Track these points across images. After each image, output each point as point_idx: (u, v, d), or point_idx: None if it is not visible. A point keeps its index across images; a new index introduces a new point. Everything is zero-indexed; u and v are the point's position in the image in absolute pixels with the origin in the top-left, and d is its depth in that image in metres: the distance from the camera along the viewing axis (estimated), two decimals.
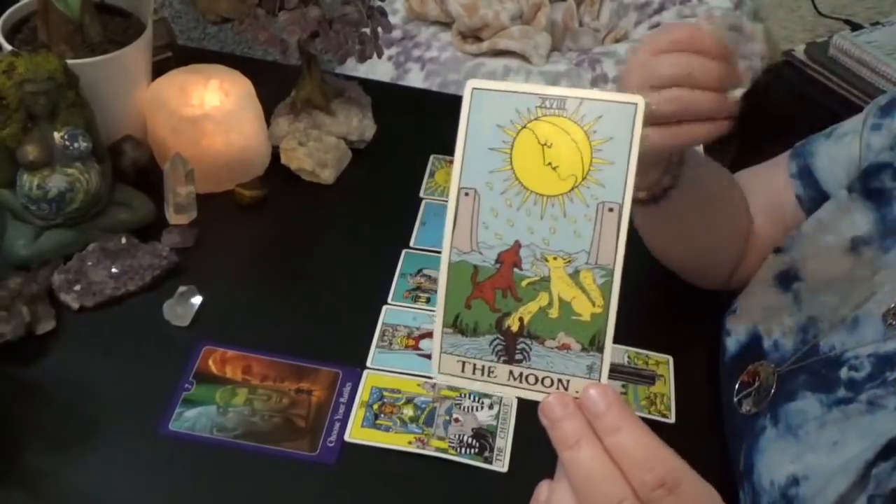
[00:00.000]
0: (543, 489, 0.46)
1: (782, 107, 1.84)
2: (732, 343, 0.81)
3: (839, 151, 0.80)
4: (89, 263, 0.88)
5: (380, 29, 1.01)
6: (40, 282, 0.84)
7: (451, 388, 0.81)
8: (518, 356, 0.47)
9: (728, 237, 0.86)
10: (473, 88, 0.47)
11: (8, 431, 0.75)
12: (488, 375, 0.48)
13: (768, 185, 0.86)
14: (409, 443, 0.77)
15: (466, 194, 0.47)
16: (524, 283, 0.46)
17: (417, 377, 0.82)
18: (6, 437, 0.75)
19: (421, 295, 0.91)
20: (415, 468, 0.76)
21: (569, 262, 0.46)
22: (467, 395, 0.81)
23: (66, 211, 0.88)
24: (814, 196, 0.82)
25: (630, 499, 0.42)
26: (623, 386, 0.83)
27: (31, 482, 0.73)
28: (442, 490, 0.75)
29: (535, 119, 0.46)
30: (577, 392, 0.46)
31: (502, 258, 0.47)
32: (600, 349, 0.46)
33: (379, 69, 1.82)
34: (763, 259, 0.82)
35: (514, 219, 0.46)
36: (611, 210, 0.45)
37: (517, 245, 0.46)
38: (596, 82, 1.78)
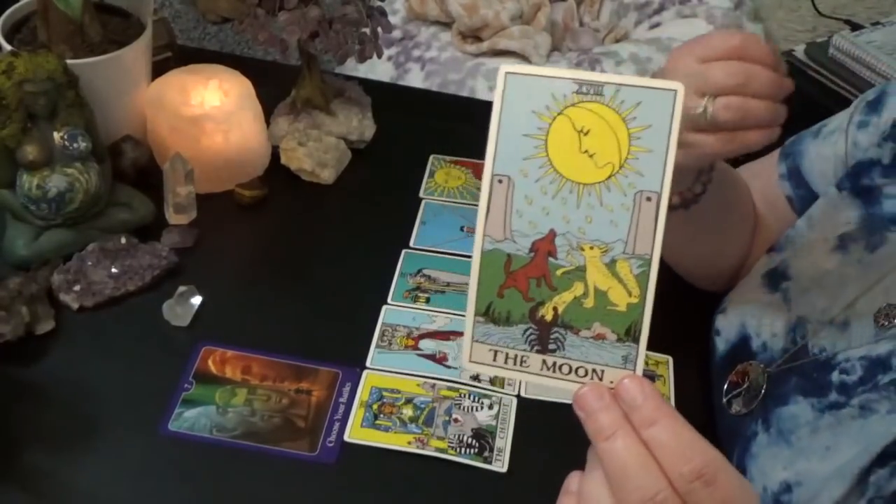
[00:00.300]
0: (574, 480, 0.46)
1: None
2: (721, 343, 0.80)
3: (827, 150, 0.80)
4: (89, 263, 0.88)
5: (380, 29, 1.01)
6: (40, 282, 0.84)
7: (450, 388, 0.81)
8: (552, 346, 0.46)
9: (740, 237, 0.86)
10: (507, 73, 0.46)
11: (8, 431, 0.75)
12: (521, 365, 0.47)
13: (763, 182, 0.86)
14: (409, 443, 0.77)
15: (500, 181, 0.46)
16: (559, 273, 0.46)
17: (417, 377, 0.82)
18: (6, 437, 0.75)
19: (420, 295, 0.90)
20: (414, 468, 0.76)
21: (605, 251, 0.45)
22: (467, 395, 0.81)
23: (65, 211, 0.88)
24: (805, 196, 0.82)
25: (666, 491, 0.41)
26: None
27: (31, 482, 0.73)
28: (442, 490, 0.75)
29: (572, 105, 0.45)
30: (611, 382, 0.45)
31: (537, 247, 0.46)
32: (636, 339, 0.45)
33: (379, 69, 1.82)
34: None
35: (549, 207, 0.45)
36: (649, 199, 0.44)
37: (552, 234, 0.46)
38: None
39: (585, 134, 0.45)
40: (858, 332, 0.67)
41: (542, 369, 0.47)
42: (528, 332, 0.46)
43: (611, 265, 0.45)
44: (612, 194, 0.45)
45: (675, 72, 0.65)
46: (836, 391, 0.66)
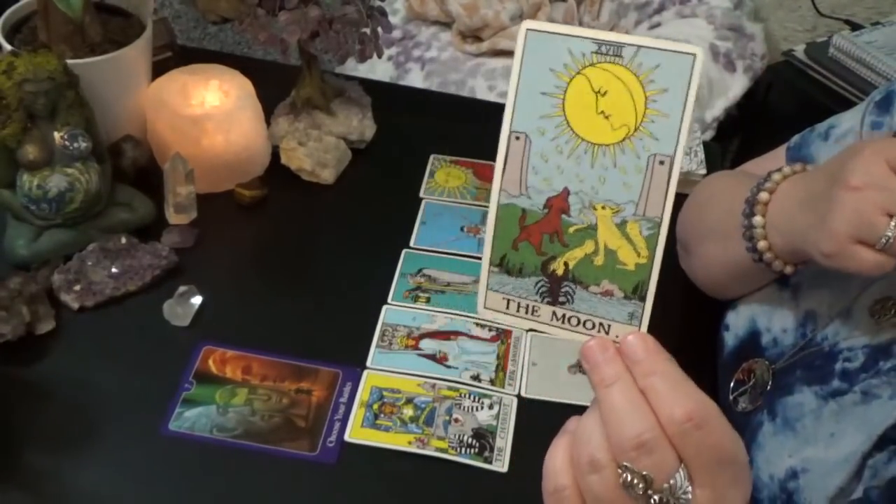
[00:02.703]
0: (573, 421, 0.47)
1: (782, 107, 1.84)
2: (731, 338, 0.81)
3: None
4: (89, 263, 0.88)
5: (380, 29, 1.01)
6: (40, 282, 0.84)
7: (450, 388, 0.81)
8: (562, 299, 0.48)
9: None
10: (528, 29, 0.46)
11: (8, 431, 0.75)
12: (532, 314, 0.49)
13: None
14: (409, 443, 0.77)
15: (517, 138, 0.47)
16: (571, 230, 0.47)
17: (417, 377, 0.82)
18: (6, 436, 0.75)
19: (421, 295, 0.90)
20: (415, 468, 0.76)
21: (617, 211, 0.46)
22: (467, 395, 0.81)
23: (65, 211, 0.88)
24: None
25: (654, 431, 0.42)
26: None
27: (31, 482, 0.73)
28: (442, 490, 0.75)
29: (591, 65, 0.45)
30: (616, 337, 0.46)
31: (550, 203, 0.47)
32: (643, 298, 0.46)
33: (379, 69, 1.82)
34: None
35: (563, 166, 0.46)
36: (661, 163, 0.45)
37: (566, 192, 0.46)
38: None
39: (603, 95, 0.45)
40: (859, 321, 0.68)
41: (552, 320, 0.48)
42: (539, 284, 0.48)
43: (621, 226, 0.46)
44: (626, 156, 0.45)
45: (860, 170, 0.60)
46: (839, 378, 0.66)
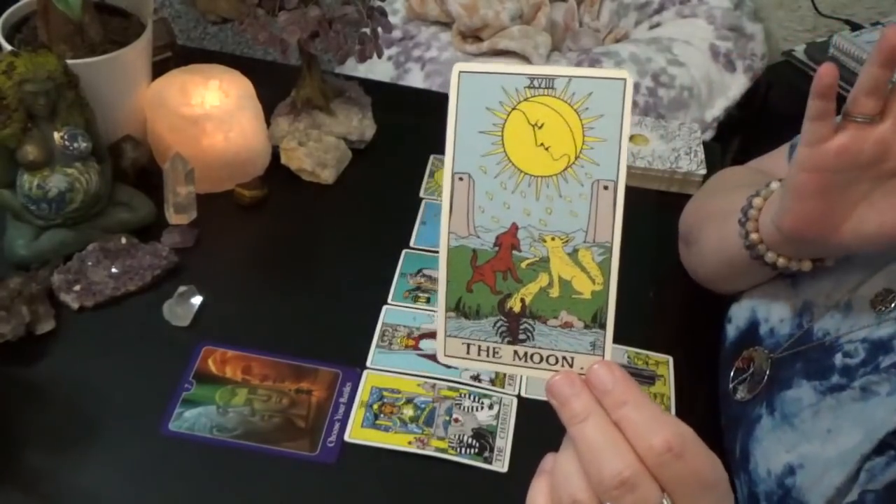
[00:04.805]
0: (549, 460, 0.46)
1: (782, 107, 1.85)
2: (732, 330, 0.81)
3: None
4: (89, 263, 0.88)
5: (380, 29, 1.01)
6: (40, 282, 0.84)
7: (450, 388, 0.81)
8: (522, 336, 0.47)
9: None
10: (461, 72, 0.47)
11: (8, 431, 0.75)
12: (493, 356, 0.48)
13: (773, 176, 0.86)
14: (409, 443, 0.77)
15: (461, 179, 0.47)
16: (524, 265, 0.47)
17: (417, 377, 0.82)
18: (6, 437, 0.75)
19: (421, 295, 0.90)
20: (415, 468, 0.76)
21: (566, 241, 0.46)
22: (467, 395, 0.81)
23: (65, 211, 0.88)
24: None
25: (634, 467, 0.42)
26: None
27: (31, 482, 0.73)
28: (442, 490, 0.75)
29: (525, 100, 0.46)
30: (581, 368, 0.46)
31: (500, 241, 0.47)
32: (602, 325, 0.46)
33: (379, 69, 1.82)
34: None
35: (509, 201, 0.46)
36: (606, 188, 0.45)
37: (514, 227, 0.47)
38: None
39: (540, 127, 0.46)
40: (860, 315, 0.68)
41: (514, 359, 0.48)
42: (498, 324, 0.48)
43: (573, 255, 0.46)
44: (569, 185, 0.45)
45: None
46: (839, 374, 0.66)
